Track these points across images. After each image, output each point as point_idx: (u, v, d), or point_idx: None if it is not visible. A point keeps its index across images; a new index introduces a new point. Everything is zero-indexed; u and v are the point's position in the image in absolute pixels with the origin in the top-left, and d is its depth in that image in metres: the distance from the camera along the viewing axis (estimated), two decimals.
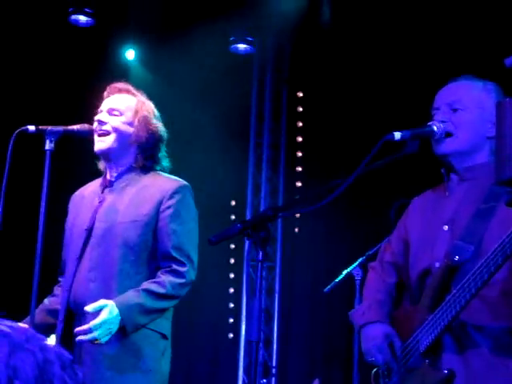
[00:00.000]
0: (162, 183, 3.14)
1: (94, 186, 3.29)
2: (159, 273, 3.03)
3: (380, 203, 4.88)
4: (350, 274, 4.27)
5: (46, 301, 3.23)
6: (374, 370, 2.80)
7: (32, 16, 6.82)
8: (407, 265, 2.79)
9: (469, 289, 2.41)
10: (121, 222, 3.08)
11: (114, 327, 2.91)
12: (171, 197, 3.09)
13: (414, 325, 2.64)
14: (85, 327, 2.89)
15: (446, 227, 2.67)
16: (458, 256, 2.54)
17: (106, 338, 2.91)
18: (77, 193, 3.34)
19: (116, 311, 2.91)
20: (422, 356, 2.60)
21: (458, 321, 2.50)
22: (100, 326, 2.88)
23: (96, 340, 2.89)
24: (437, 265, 2.63)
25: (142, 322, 2.97)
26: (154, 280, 3.01)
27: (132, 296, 2.97)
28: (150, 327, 3.01)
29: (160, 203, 3.08)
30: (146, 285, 2.99)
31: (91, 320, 2.96)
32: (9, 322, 0.94)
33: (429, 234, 2.73)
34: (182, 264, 3.02)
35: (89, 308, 2.90)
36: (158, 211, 3.07)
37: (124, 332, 2.94)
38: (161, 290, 2.97)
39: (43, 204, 2.99)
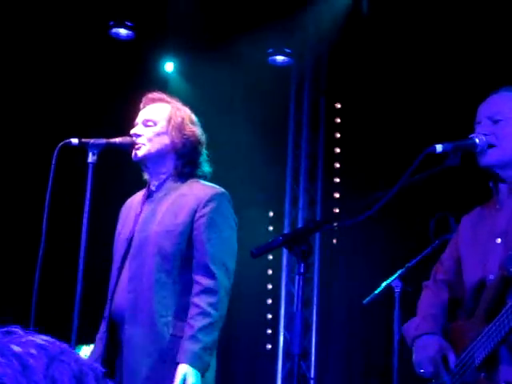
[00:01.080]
0: (198, 191, 3.12)
1: (140, 195, 3.32)
2: (193, 299, 2.99)
3: (420, 215, 4.85)
4: (389, 286, 4.23)
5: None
6: None
7: (73, 29, 6.91)
8: (460, 282, 2.77)
9: None
10: (156, 231, 3.09)
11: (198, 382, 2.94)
12: (206, 205, 3.07)
13: (468, 338, 2.62)
14: None
15: (499, 240, 2.65)
16: None
17: None
18: (126, 203, 3.37)
19: (193, 373, 2.92)
20: (477, 369, 2.57)
21: None
22: None
23: None
24: (491, 277, 2.60)
25: (210, 359, 2.98)
26: (198, 312, 2.96)
27: (191, 344, 2.93)
28: None
29: (195, 211, 3.07)
30: (193, 322, 2.95)
31: (130, 331, 2.99)
32: (44, 336, 0.97)
33: (481, 248, 2.71)
34: (212, 277, 2.99)
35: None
36: (192, 220, 3.06)
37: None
38: (207, 320, 2.95)
39: (86, 216, 3.01)
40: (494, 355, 2.51)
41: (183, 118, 3.22)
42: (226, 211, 3.13)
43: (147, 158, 3.18)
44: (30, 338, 0.94)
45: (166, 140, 3.19)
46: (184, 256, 3.05)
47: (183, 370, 2.90)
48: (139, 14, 7.16)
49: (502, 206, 2.71)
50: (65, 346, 0.97)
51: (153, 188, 3.24)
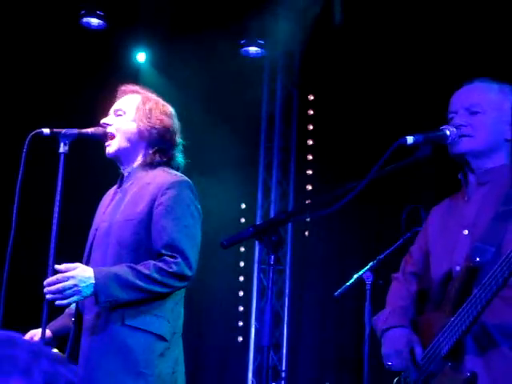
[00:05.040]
0: (160, 179, 3.09)
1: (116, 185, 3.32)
2: (149, 260, 2.96)
3: (391, 207, 4.88)
4: (360, 278, 4.26)
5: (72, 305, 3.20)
6: (396, 378, 2.80)
7: (44, 18, 6.84)
8: (428, 274, 2.79)
9: (490, 287, 2.40)
10: (117, 221, 3.07)
11: (84, 289, 2.85)
12: (164, 193, 3.03)
13: (435, 330, 2.64)
14: (53, 278, 2.85)
15: (466, 231, 2.67)
16: (478, 258, 2.54)
17: (75, 299, 2.85)
18: (107, 193, 3.35)
19: (90, 274, 2.86)
20: (444, 360, 2.59)
21: (480, 322, 2.50)
22: (68, 279, 2.84)
23: (62, 296, 2.83)
24: (457, 268, 2.63)
25: (118, 295, 2.87)
26: (141, 263, 2.94)
27: (113, 268, 2.91)
28: (142, 327, 2.93)
29: (154, 200, 3.03)
30: (131, 264, 2.92)
31: (88, 320, 2.97)
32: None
33: (449, 239, 2.73)
34: (174, 257, 2.94)
35: (61, 266, 2.87)
36: (151, 208, 3.02)
37: (97, 301, 2.87)
38: (144, 271, 2.89)
39: (57, 206, 3.00)
40: (460, 345, 2.54)
41: (151, 107, 3.22)
42: (187, 199, 3.06)
43: (119, 152, 3.18)
44: None
45: (133, 128, 3.18)
46: (143, 246, 3.00)
47: (83, 265, 2.88)
48: (111, 3, 7.10)
49: (470, 198, 2.73)
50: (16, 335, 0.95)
51: (124, 178, 3.23)
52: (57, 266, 2.88)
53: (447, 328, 2.57)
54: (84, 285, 2.85)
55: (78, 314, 3.09)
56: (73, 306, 3.20)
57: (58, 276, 2.85)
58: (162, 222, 2.99)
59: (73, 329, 3.09)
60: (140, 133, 3.17)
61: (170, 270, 2.92)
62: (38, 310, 2.98)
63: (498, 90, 2.74)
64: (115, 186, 3.31)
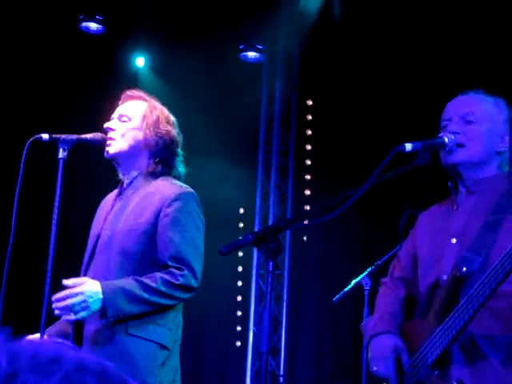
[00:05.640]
0: (165, 190, 3.08)
1: (115, 192, 3.29)
2: (156, 273, 2.96)
3: (389, 213, 4.88)
4: (358, 284, 4.27)
5: None
6: None
7: (43, 23, 6.85)
8: (416, 279, 2.80)
9: (477, 298, 2.41)
10: (121, 230, 3.06)
11: (93, 304, 2.85)
12: (170, 204, 3.03)
13: (422, 338, 2.65)
14: (61, 294, 2.85)
15: (454, 240, 2.68)
16: (465, 267, 2.55)
17: (84, 314, 2.84)
18: (103, 200, 3.34)
19: (97, 288, 2.85)
20: (430, 368, 2.60)
21: (467, 332, 2.51)
22: (76, 295, 2.83)
23: (71, 312, 2.83)
24: (444, 277, 2.63)
25: (126, 309, 2.88)
26: (147, 275, 2.94)
27: (120, 281, 2.91)
28: (145, 337, 2.94)
29: (159, 211, 3.03)
30: (138, 277, 2.93)
31: (89, 329, 2.96)
32: None
33: (437, 247, 2.74)
34: (180, 269, 2.95)
35: (68, 281, 2.87)
36: (157, 219, 3.02)
37: (105, 315, 2.87)
38: (152, 284, 2.89)
39: (56, 212, 2.99)
40: (447, 354, 2.54)
41: (158, 117, 3.20)
42: (192, 211, 3.07)
43: (119, 155, 3.16)
44: None
45: (139, 136, 3.17)
46: (147, 256, 3.01)
47: (89, 279, 2.88)
48: (110, 8, 7.11)
49: (459, 207, 2.74)
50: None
51: (124, 186, 3.22)
52: (64, 282, 2.88)
53: (434, 337, 2.58)
54: (92, 300, 2.86)
55: (77, 323, 3.08)
56: None
57: (66, 292, 2.85)
58: (169, 234, 2.99)
59: (72, 336, 3.07)
60: (146, 141, 3.16)
61: (177, 283, 2.93)
62: (36, 315, 2.99)
63: (492, 103, 2.76)
64: (114, 193, 3.29)
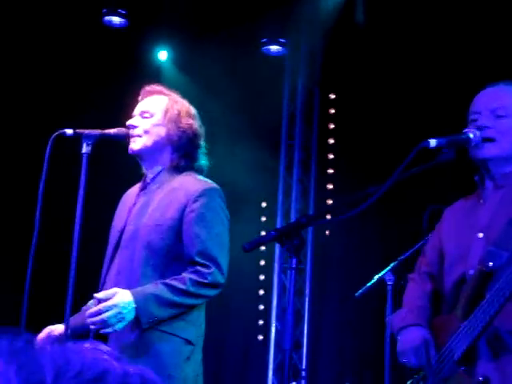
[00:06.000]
0: (189, 186, 3.10)
1: (137, 186, 3.31)
2: (183, 273, 2.99)
3: (413, 208, 4.86)
4: (381, 279, 4.24)
5: (89, 302, 3.20)
6: (410, 381, 2.80)
7: (66, 17, 6.88)
8: (442, 274, 2.79)
9: (503, 293, 2.40)
10: (146, 224, 3.07)
11: (128, 315, 2.87)
12: (196, 200, 3.05)
13: (448, 333, 2.64)
14: (95, 309, 2.87)
15: (480, 234, 2.66)
16: (491, 262, 2.53)
17: (120, 326, 2.87)
18: (125, 194, 3.36)
19: (129, 298, 2.87)
20: (456, 364, 2.59)
21: (493, 327, 2.49)
22: (110, 308, 2.85)
23: (107, 326, 2.85)
24: (471, 272, 2.62)
25: (158, 315, 2.91)
26: (175, 277, 2.97)
27: (149, 287, 2.93)
28: (171, 332, 2.97)
29: (185, 206, 3.05)
30: (167, 280, 2.95)
31: None
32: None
33: (463, 242, 2.72)
34: (207, 267, 2.97)
35: (100, 294, 2.89)
36: (182, 215, 3.03)
37: (138, 323, 2.89)
38: (180, 286, 2.92)
39: (79, 207, 3.01)
40: (473, 350, 2.53)
41: (180, 111, 3.21)
42: (217, 207, 3.10)
43: (143, 151, 3.17)
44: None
45: (161, 132, 3.17)
46: (172, 251, 3.03)
47: (120, 291, 2.88)
48: (132, 1, 7.13)
49: (486, 201, 2.72)
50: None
51: (148, 180, 3.23)
52: (96, 295, 2.90)
53: (460, 332, 2.57)
54: (126, 311, 2.88)
55: None
56: (90, 304, 3.21)
57: (100, 306, 2.87)
58: (195, 230, 3.01)
59: (94, 331, 3.09)
60: (169, 137, 3.17)
61: (206, 281, 2.96)
62: (59, 306, 3.01)
63: None
64: (136, 187, 3.31)
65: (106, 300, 2.89)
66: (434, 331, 2.74)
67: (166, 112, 3.20)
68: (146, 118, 3.20)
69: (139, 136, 3.17)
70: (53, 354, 0.91)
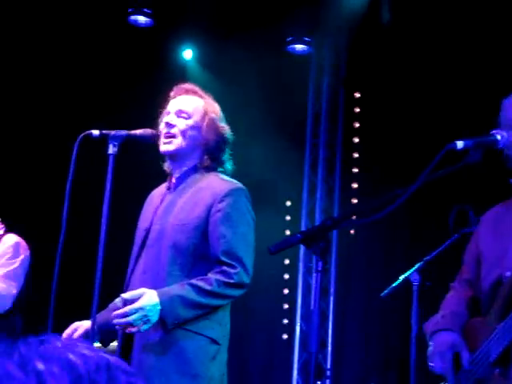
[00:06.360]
0: (216, 186, 3.11)
1: (163, 187, 3.31)
2: (208, 274, 3.00)
3: (439, 208, 4.83)
4: (407, 280, 4.22)
5: (116, 300, 3.20)
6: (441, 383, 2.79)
7: (92, 17, 6.92)
8: (479, 278, 2.77)
9: None
10: (172, 224, 3.08)
11: (153, 316, 2.88)
12: (222, 200, 3.05)
13: (483, 335, 2.62)
14: (121, 311, 2.88)
15: None
16: None
17: (145, 327, 2.88)
18: (150, 194, 3.37)
19: (156, 300, 2.88)
20: (491, 366, 2.57)
21: None
22: (136, 311, 2.86)
23: (132, 326, 2.87)
24: (508, 274, 2.60)
25: (184, 316, 2.92)
26: (201, 277, 2.98)
27: (175, 288, 2.94)
28: (197, 331, 2.98)
29: (211, 206, 3.05)
30: (193, 281, 2.96)
31: None
32: (84, 350, 0.92)
33: (500, 245, 2.71)
34: (233, 266, 2.98)
35: (126, 295, 2.91)
36: (208, 215, 3.05)
37: (164, 324, 2.91)
38: (207, 287, 2.94)
39: (106, 207, 3.02)
40: (509, 352, 2.51)
41: (216, 116, 3.23)
42: (243, 207, 3.11)
43: (177, 152, 3.18)
44: (63, 351, 0.90)
45: (197, 135, 3.18)
46: (198, 250, 3.04)
47: (147, 292, 2.89)
48: (158, 1, 7.15)
49: None
50: (104, 360, 0.92)
51: (174, 180, 3.24)
52: (123, 295, 2.91)
53: (496, 334, 2.55)
54: (152, 314, 2.89)
55: None
56: (118, 302, 3.23)
57: (126, 309, 2.88)
58: (221, 229, 3.02)
59: (121, 331, 3.11)
60: (204, 140, 3.17)
61: (232, 281, 2.97)
62: (86, 303, 3.03)
63: None
64: (162, 188, 3.32)
65: (132, 301, 2.90)
66: (468, 333, 2.72)
67: (204, 115, 3.20)
68: (183, 118, 3.19)
69: (174, 136, 3.17)
70: (71, 365, 0.91)
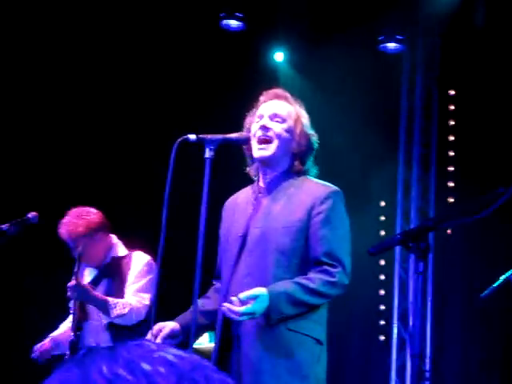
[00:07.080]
0: (314, 189, 3.16)
1: (246, 192, 3.34)
2: (310, 273, 3.05)
3: None
4: (507, 280, 4.11)
5: (199, 302, 3.25)
6: None
7: (185, 22, 7.03)
8: None
9: None
10: (274, 227, 3.12)
11: (258, 314, 2.94)
12: (322, 202, 3.11)
13: None
14: (236, 309, 2.91)
15: None
16: None
17: (246, 318, 2.94)
18: (229, 200, 3.41)
19: (267, 304, 2.93)
20: None
21: None
22: (248, 314, 2.92)
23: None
24: None
25: (287, 312, 2.98)
26: (305, 276, 3.04)
27: (282, 284, 3.00)
28: (303, 332, 3.03)
29: (311, 209, 3.11)
30: (298, 279, 3.02)
31: (248, 325, 3.03)
32: (175, 351, 0.94)
33: None
34: (334, 266, 3.04)
35: (242, 295, 2.94)
36: (309, 217, 3.10)
37: (268, 317, 2.95)
38: (311, 285, 3.00)
39: (204, 211, 3.07)
40: None
41: (306, 121, 3.28)
42: (341, 210, 3.18)
43: (273, 158, 3.20)
44: (160, 353, 0.92)
45: (290, 139, 3.21)
46: (301, 252, 3.09)
47: (261, 294, 2.92)
48: (249, 5, 7.21)
49: None
50: (197, 360, 0.94)
51: (262, 184, 3.26)
52: (240, 295, 2.94)
53: None
54: (258, 314, 2.95)
55: (226, 318, 3.14)
56: (200, 302, 3.25)
57: (241, 310, 2.91)
58: (322, 231, 3.08)
59: (219, 331, 3.16)
60: (296, 145, 3.21)
61: (334, 280, 3.02)
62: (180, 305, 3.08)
63: None
64: (245, 193, 3.34)
65: (245, 302, 2.93)
66: None
67: (297, 121, 3.23)
68: (278, 122, 3.22)
69: (271, 140, 3.19)
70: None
